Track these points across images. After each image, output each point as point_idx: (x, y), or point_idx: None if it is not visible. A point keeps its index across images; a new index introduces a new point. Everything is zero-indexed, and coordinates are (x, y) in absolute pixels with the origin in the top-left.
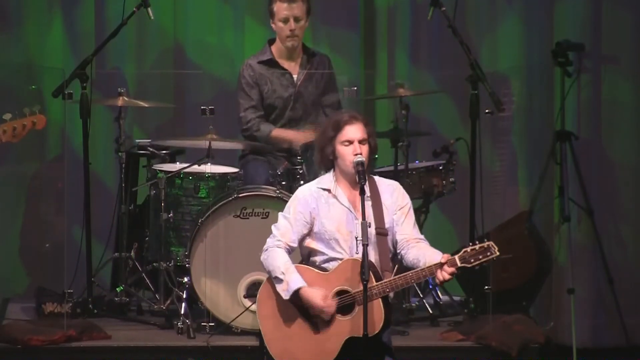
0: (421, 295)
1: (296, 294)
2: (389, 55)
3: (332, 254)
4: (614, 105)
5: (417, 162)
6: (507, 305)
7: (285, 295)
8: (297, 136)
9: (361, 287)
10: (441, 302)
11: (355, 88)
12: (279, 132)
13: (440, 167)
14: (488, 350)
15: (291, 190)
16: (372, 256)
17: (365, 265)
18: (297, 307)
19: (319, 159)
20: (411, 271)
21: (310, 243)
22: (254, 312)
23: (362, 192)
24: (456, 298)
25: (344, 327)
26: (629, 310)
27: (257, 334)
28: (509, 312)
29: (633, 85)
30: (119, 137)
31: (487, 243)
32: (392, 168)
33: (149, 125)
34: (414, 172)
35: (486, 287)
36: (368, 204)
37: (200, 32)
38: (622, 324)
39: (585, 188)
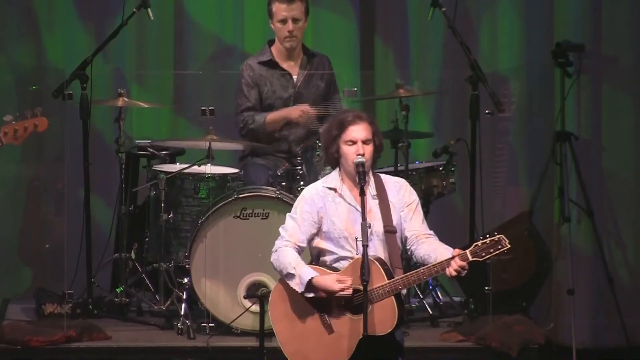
0: (421, 296)
1: (310, 285)
2: (389, 55)
3: (341, 253)
4: (614, 105)
5: (417, 162)
6: (507, 306)
7: (300, 288)
8: (292, 110)
9: (373, 286)
10: (441, 303)
11: (355, 89)
12: (273, 115)
13: (440, 168)
14: (488, 350)
15: (291, 191)
16: (382, 254)
17: (365, 267)
18: (311, 306)
19: (324, 156)
20: (423, 267)
21: (319, 243)
22: (254, 312)
23: (362, 193)
24: (456, 299)
25: (358, 326)
26: (629, 310)
27: (257, 334)
28: (509, 313)
29: (633, 85)
30: (119, 137)
31: (497, 236)
32: (392, 168)
33: (149, 126)
34: (414, 173)
35: (486, 287)
36: (375, 202)
37: (201, 24)
38: (622, 324)
39: (585, 188)
